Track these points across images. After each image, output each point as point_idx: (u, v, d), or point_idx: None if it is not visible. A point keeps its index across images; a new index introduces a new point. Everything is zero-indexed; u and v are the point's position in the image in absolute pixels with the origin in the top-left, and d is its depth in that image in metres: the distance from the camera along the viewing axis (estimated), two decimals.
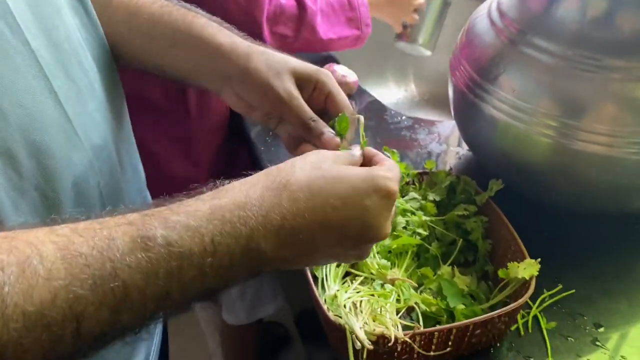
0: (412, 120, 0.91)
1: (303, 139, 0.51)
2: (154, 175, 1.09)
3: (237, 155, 1.04)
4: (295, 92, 0.50)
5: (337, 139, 0.49)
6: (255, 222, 0.35)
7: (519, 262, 0.54)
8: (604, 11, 0.57)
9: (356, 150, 0.45)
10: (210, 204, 0.35)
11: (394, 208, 0.42)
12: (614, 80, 0.56)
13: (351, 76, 0.96)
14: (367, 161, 0.45)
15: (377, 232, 0.40)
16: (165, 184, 1.12)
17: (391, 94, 1.48)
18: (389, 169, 0.41)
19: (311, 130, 0.49)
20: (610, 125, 0.56)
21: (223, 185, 0.38)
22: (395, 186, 0.40)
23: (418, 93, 1.46)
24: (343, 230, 0.38)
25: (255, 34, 0.60)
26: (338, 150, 0.47)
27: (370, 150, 0.45)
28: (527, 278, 0.52)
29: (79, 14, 0.47)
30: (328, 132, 0.49)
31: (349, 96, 0.95)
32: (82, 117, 0.44)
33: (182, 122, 1.01)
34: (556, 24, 0.59)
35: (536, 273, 0.52)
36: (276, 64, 0.50)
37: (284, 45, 0.94)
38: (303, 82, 0.51)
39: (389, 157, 0.47)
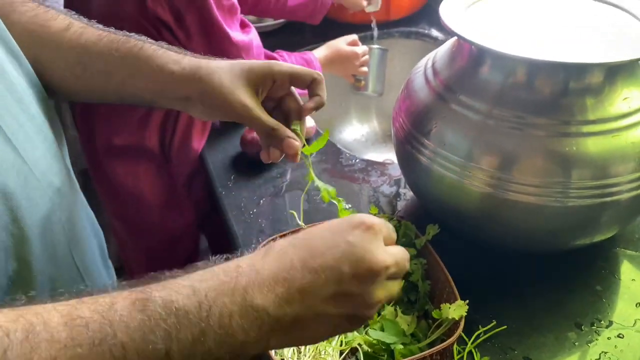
0: (365, 162, 0.97)
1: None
2: (138, 227, 1.16)
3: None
4: (252, 104, 0.53)
5: (298, 142, 0.54)
6: (248, 277, 0.37)
7: (451, 303, 0.59)
8: (523, 75, 0.63)
9: None
10: (202, 270, 0.38)
11: (381, 235, 0.41)
12: (537, 137, 0.61)
13: (308, 122, 1.02)
14: None
15: (373, 260, 0.38)
16: (150, 235, 1.19)
17: (355, 130, 1.55)
18: (363, 214, 0.43)
19: (274, 138, 0.54)
20: (535, 177, 0.61)
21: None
22: (372, 219, 0.41)
23: (380, 129, 1.53)
24: (336, 272, 0.38)
25: None
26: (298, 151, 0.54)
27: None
28: (457, 318, 0.57)
29: (15, 66, 0.50)
30: (288, 138, 0.54)
31: (307, 140, 1.01)
32: (36, 159, 0.48)
33: (165, 167, 1.08)
34: (482, 84, 0.65)
35: (465, 313, 0.57)
36: (228, 79, 0.53)
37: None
38: (260, 81, 0.54)
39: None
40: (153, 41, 0.57)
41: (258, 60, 0.56)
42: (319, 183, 0.56)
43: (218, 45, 0.95)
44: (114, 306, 0.34)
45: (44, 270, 0.48)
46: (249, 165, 0.96)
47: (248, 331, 0.36)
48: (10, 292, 0.44)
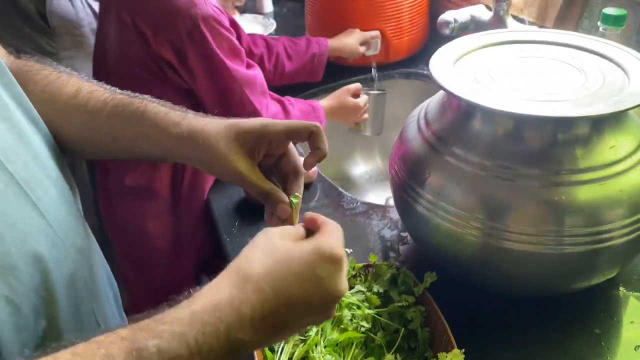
0: (366, 205, 0.99)
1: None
2: (141, 266, 1.19)
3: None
4: (246, 170, 0.55)
5: (289, 209, 0.56)
6: (231, 318, 0.41)
7: (448, 352, 0.60)
8: (512, 128, 0.65)
9: (298, 227, 0.51)
10: (189, 310, 0.41)
11: (345, 265, 0.47)
12: (529, 187, 0.63)
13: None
14: (310, 224, 0.50)
15: (336, 293, 0.46)
16: (155, 277, 1.22)
17: (359, 169, 1.57)
18: (330, 234, 0.47)
19: (269, 202, 0.56)
20: (529, 226, 0.63)
21: (194, 293, 0.43)
22: (339, 250, 0.46)
23: (384, 167, 1.56)
24: (306, 302, 0.44)
25: None
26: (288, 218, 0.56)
27: (311, 215, 0.51)
28: None
29: (35, 131, 0.54)
30: (282, 204, 0.55)
31: (309, 184, 1.04)
32: (59, 222, 0.51)
33: (174, 210, 1.12)
34: (472, 136, 0.67)
35: None
36: (224, 144, 0.54)
37: None
38: (255, 143, 0.56)
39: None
40: (156, 100, 0.59)
41: (253, 120, 0.56)
42: None
43: (221, 81, 0.99)
44: (113, 358, 0.36)
45: (69, 328, 0.52)
46: (253, 211, 0.98)
47: (230, 356, 0.41)
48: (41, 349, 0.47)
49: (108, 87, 0.61)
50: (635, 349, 0.68)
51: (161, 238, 1.14)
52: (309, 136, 0.57)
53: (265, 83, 1.08)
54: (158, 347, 0.38)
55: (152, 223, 1.12)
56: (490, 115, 0.66)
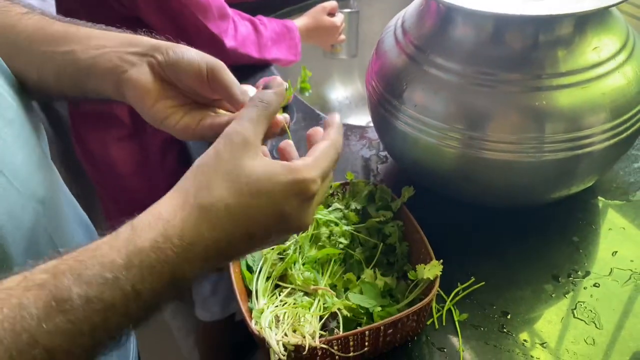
0: (345, 127, 0.96)
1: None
2: (116, 194, 1.18)
3: None
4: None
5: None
6: (178, 257, 0.35)
7: (426, 264, 0.60)
8: (492, 31, 0.62)
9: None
10: (126, 251, 0.34)
11: (317, 197, 0.41)
12: (509, 93, 0.61)
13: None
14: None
15: (298, 229, 0.41)
16: (128, 202, 1.23)
17: (339, 93, 1.53)
18: (313, 166, 0.40)
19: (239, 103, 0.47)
20: (509, 133, 0.61)
21: (137, 223, 0.36)
22: (314, 187, 0.39)
23: (363, 89, 1.52)
24: (265, 236, 0.40)
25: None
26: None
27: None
28: (432, 278, 0.58)
29: None
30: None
31: (285, 107, 1.00)
32: (15, 169, 0.42)
33: (137, 136, 1.09)
34: (451, 42, 0.64)
35: (439, 273, 0.58)
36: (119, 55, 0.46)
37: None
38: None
39: None
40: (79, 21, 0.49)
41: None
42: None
43: (166, 7, 0.93)
44: (27, 310, 0.30)
45: None
46: None
47: (171, 292, 0.36)
48: None
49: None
50: (612, 254, 0.68)
51: (127, 164, 1.13)
52: (210, 73, 0.46)
53: (224, 5, 1.00)
54: (84, 298, 0.31)
55: (115, 149, 1.11)
56: (470, 17, 0.62)
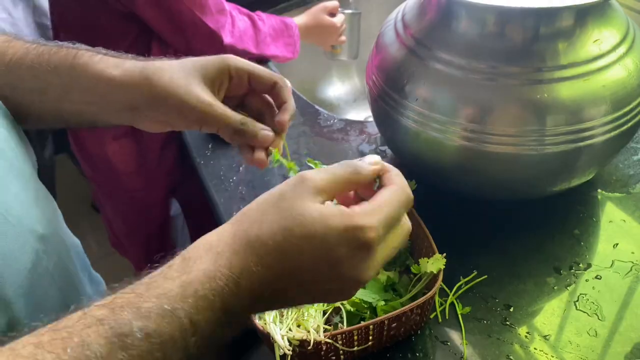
0: (344, 122, 0.96)
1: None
2: (113, 192, 1.18)
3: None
4: (213, 99, 0.47)
5: (272, 134, 0.49)
6: (228, 290, 0.34)
7: (429, 258, 0.60)
8: (494, 25, 0.62)
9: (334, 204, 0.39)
10: (180, 281, 0.34)
11: (378, 252, 0.37)
12: (510, 86, 0.61)
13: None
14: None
15: (354, 280, 0.37)
16: (125, 201, 1.22)
17: (336, 89, 1.53)
18: (371, 213, 0.36)
19: (244, 134, 0.48)
20: (510, 127, 0.61)
21: (188, 254, 0.36)
22: (371, 234, 0.35)
23: (362, 86, 1.52)
24: (315, 282, 0.37)
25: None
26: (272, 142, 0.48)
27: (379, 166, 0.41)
28: (435, 272, 0.58)
29: None
30: (261, 130, 0.48)
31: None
32: (7, 202, 0.40)
33: (134, 135, 1.09)
34: (452, 36, 0.64)
35: (442, 267, 0.58)
36: (181, 76, 0.46)
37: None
38: (216, 76, 0.48)
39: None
40: (90, 47, 0.49)
41: (211, 56, 0.49)
42: (283, 161, 0.51)
43: (164, 3, 0.92)
44: (90, 348, 0.29)
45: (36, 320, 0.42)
46: None
47: (225, 330, 0.36)
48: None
49: (30, 38, 0.51)
50: (613, 246, 0.68)
51: (123, 162, 1.12)
52: (273, 87, 0.49)
53: (222, 0, 1.00)
54: (144, 331, 0.31)
55: (112, 147, 1.10)
56: (471, 10, 0.62)
